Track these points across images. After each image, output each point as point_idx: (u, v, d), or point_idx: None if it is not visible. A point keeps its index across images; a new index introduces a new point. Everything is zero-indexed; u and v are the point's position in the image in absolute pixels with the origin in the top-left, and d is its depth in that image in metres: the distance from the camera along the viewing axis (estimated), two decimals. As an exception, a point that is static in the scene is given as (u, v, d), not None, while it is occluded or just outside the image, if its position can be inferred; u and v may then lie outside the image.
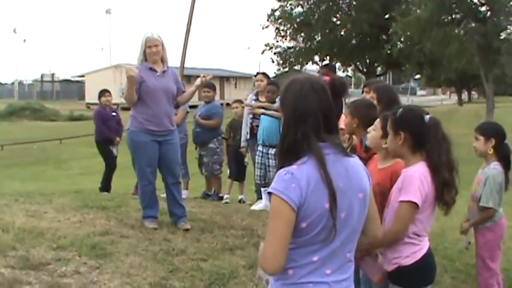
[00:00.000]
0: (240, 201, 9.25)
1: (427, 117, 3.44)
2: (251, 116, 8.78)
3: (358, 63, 46.32)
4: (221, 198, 9.14)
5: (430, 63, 37.55)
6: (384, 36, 41.63)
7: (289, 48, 44.27)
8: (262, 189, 8.28)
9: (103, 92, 10.77)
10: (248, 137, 8.82)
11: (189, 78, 42.42)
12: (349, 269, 2.55)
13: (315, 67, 42.94)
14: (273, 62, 44.61)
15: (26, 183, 13.90)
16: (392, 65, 45.36)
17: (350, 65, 47.45)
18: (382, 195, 3.56)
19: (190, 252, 5.65)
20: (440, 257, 5.21)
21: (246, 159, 9.29)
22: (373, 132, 3.94)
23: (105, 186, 10.25)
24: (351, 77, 58.29)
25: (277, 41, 43.86)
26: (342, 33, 43.47)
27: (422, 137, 3.41)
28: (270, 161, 8.18)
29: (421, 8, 28.87)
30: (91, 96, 42.71)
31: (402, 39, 34.15)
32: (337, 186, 2.37)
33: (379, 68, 48.17)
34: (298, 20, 42.63)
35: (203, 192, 9.84)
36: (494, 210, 4.85)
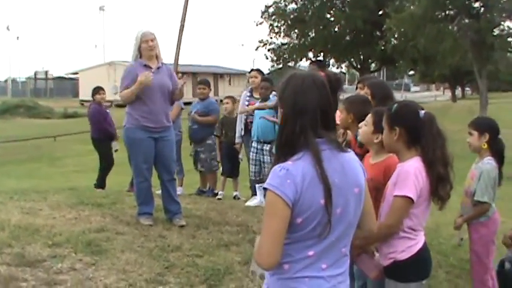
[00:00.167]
0: (234, 197, 9.25)
1: (422, 112, 3.46)
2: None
3: (352, 59, 46.36)
4: (216, 194, 9.14)
5: (424, 60, 37.62)
6: (377, 33, 41.67)
7: (283, 44, 44.26)
8: (256, 185, 8.29)
9: (97, 90, 10.72)
10: (243, 133, 8.83)
11: (183, 75, 42.37)
12: (344, 263, 2.56)
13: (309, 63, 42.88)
14: (267, 58, 44.64)
15: (21, 180, 13.87)
16: (386, 61, 45.42)
17: (344, 62, 47.49)
18: (375, 190, 3.58)
19: (186, 248, 5.67)
20: (434, 252, 5.24)
21: (240, 156, 9.30)
22: (365, 127, 3.96)
23: (101, 183, 10.24)
24: (344, 74, 58.29)
25: (271, 38, 43.87)
26: (336, 29, 43.50)
27: (418, 132, 3.44)
28: (265, 157, 8.19)
29: (414, 4, 28.90)
30: (85, 94, 42.60)
31: (396, 35, 34.14)
32: (332, 182, 2.39)
33: (373, 64, 48.20)
34: (292, 16, 42.63)
35: (198, 188, 9.84)
36: (488, 204, 4.86)
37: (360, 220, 2.59)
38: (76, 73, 62.00)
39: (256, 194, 8.33)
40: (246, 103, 8.81)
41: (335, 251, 2.50)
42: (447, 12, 27.78)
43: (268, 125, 8.10)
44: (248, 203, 8.16)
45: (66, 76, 72.27)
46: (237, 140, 8.95)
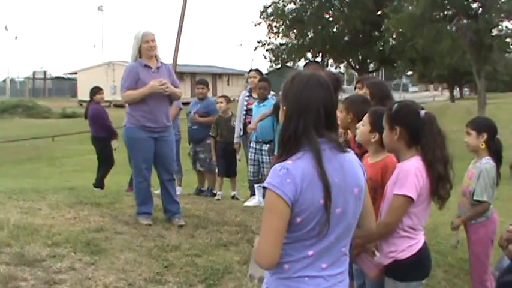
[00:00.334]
0: (233, 197, 9.25)
1: (422, 112, 3.48)
2: (244, 112, 8.79)
3: (350, 59, 46.38)
4: (215, 194, 9.14)
5: (422, 60, 37.66)
6: (376, 33, 41.67)
7: (281, 45, 44.29)
8: (255, 185, 8.30)
9: (97, 89, 10.71)
10: (241, 133, 8.83)
11: (181, 76, 42.42)
12: (344, 263, 2.57)
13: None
14: (266, 58, 44.68)
15: (19, 180, 13.84)
16: (384, 62, 45.44)
17: (342, 62, 47.52)
18: (373, 190, 3.59)
19: (185, 248, 5.68)
20: (433, 252, 5.24)
21: (238, 156, 9.29)
22: (362, 127, 3.98)
23: (99, 183, 10.25)
24: (343, 74, 58.29)
25: (269, 38, 43.91)
26: (335, 29, 43.53)
27: (418, 132, 3.45)
28: (263, 157, 8.20)
29: (413, 5, 28.92)
30: (83, 94, 42.44)
31: (394, 35, 34.17)
32: (332, 182, 2.39)
33: (371, 65, 48.24)
34: (290, 16, 42.65)
35: (196, 188, 9.85)
36: (488, 204, 4.85)
37: (359, 220, 2.60)
38: (74, 73, 61.93)
39: (255, 194, 8.33)
40: (245, 103, 8.82)
41: (335, 250, 2.50)
42: (446, 12, 27.80)
43: (267, 125, 8.11)
44: (247, 203, 8.16)
45: (64, 76, 72.30)
46: (236, 140, 8.95)
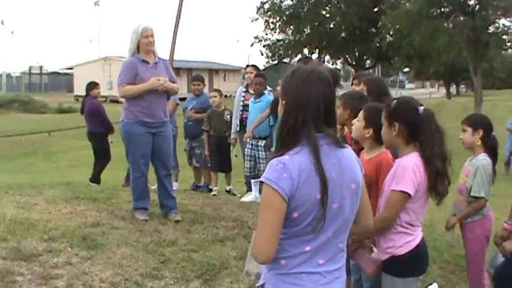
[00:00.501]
0: (229, 192, 9.24)
1: (421, 108, 3.49)
2: (241, 107, 8.80)
3: (347, 56, 46.33)
4: (211, 190, 9.15)
5: (419, 57, 37.64)
6: (373, 30, 41.66)
7: (278, 41, 44.19)
8: (252, 180, 8.31)
9: (94, 84, 10.70)
10: (238, 129, 8.84)
11: (178, 71, 42.36)
12: (341, 259, 2.57)
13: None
14: (262, 54, 44.57)
15: (16, 175, 13.83)
16: (381, 58, 45.41)
17: (339, 58, 47.45)
18: (367, 186, 3.60)
19: (181, 243, 5.69)
20: (429, 248, 5.24)
21: (234, 152, 9.30)
22: (357, 123, 3.99)
23: (96, 178, 10.25)
24: (340, 70, 58.28)
25: (266, 34, 43.77)
26: (331, 26, 43.46)
27: (417, 128, 3.46)
28: (260, 153, 8.21)
29: (410, 1, 28.94)
30: (80, 89, 42.36)
31: (391, 32, 34.21)
32: (329, 177, 2.39)
33: (368, 61, 48.20)
34: (287, 12, 42.54)
35: (193, 183, 9.86)
36: (485, 200, 4.83)
37: (356, 216, 2.60)
38: (71, 68, 61.73)
39: (251, 190, 8.34)
40: (242, 98, 8.84)
41: (332, 246, 2.50)
42: (442, 9, 27.83)
43: (263, 122, 8.12)
44: (243, 199, 8.17)
45: (61, 71, 71.99)
46: (233, 136, 8.96)
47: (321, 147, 2.42)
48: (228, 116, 9.10)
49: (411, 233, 3.49)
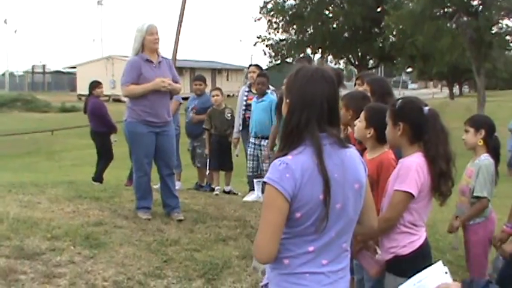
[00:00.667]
0: (228, 192, 9.17)
1: (426, 108, 3.48)
2: (244, 107, 8.81)
3: (350, 56, 46.29)
4: (214, 189, 9.15)
5: (422, 57, 37.56)
6: (376, 30, 41.62)
7: (281, 40, 44.15)
8: (254, 180, 8.31)
9: (97, 84, 10.72)
10: (241, 128, 8.84)
11: (181, 71, 42.38)
12: (344, 259, 2.57)
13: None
14: (265, 54, 44.51)
15: (18, 174, 13.87)
16: (384, 58, 45.35)
17: (342, 58, 47.42)
18: (370, 185, 3.61)
19: (184, 242, 5.70)
20: (431, 249, 5.25)
21: (237, 152, 9.30)
22: (359, 123, 4.00)
23: (98, 177, 10.26)
24: (342, 70, 58.24)
25: (269, 33, 43.70)
26: (334, 26, 43.40)
27: (421, 128, 3.46)
28: (262, 152, 8.21)
29: (413, 2, 28.88)
30: (82, 88, 42.36)
31: (394, 32, 34.15)
32: (332, 177, 2.39)
33: (371, 61, 48.16)
34: (290, 12, 42.50)
35: (196, 183, 9.87)
36: (487, 200, 4.79)
37: (360, 216, 2.59)
38: (74, 67, 61.74)
39: (253, 189, 8.35)
40: (245, 98, 8.85)
41: (335, 246, 2.50)
42: (446, 9, 27.76)
43: (266, 121, 8.13)
44: (246, 198, 8.17)
45: (63, 70, 72.05)
46: (235, 135, 8.97)
47: (324, 147, 2.42)
48: (229, 115, 9.10)
49: (415, 233, 3.49)
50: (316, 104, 2.46)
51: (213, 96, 9.20)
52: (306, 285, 2.47)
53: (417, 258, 3.48)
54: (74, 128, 27.19)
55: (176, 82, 6.52)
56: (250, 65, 9.41)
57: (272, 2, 42.66)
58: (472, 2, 27.37)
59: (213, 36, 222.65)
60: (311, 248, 2.45)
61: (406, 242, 3.47)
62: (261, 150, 8.23)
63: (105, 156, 10.49)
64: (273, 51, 43.96)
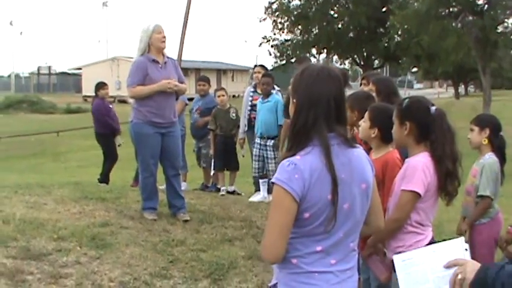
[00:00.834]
0: (232, 193, 9.09)
1: (433, 108, 3.48)
2: (249, 107, 8.82)
3: (355, 56, 46.24)
4: (219, 190, 9.15)
5: (428, 57, 37.49)
6: (381, 29, 41.50)
7: (286, 41, 44.10)
8: (260, 180, 8.31)
9: (102, 85, 10.77)
10: (246, 128, 8.85)
11: (186, 71, 42.41)
12: (352, 258, 2.57)
13: (312, 60, 42.73)
14: (270, 54, 44.48)
15: (24, 175, 13.91)
16: (389, 58, 45.26)
17: (347, 58, 47.37)
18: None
19: (190, 243, 5.71)
20: (437, 248, 5.24)
21: (242, 152, 9.29)
22: (363, 123, 4.00)
23: (104, 178, 10.29)
24: (348, 70, 58.18)
25: (274, 34, 43.66)
26: (340, 26, 43.35)
27: (428, 128, 3.45)
28: (268, 153, 8.21)
29: (418, 1, 28.83)
30: (88, 89, 42.38)
31: (400, 32, 34.09)
32: (339, 177, 2.39)
33: (376, 61, 48.08)
34: (295, 12, 42.46)
35: (202, 184, 9.87)
36: (490, 199, 4.75)
37: (367, 216, 2.59)
38: (79, 68, 61.95)
39: (259, 190, 8.34)
40: (250, 98, 8.86)
41: (343, 246, 2.50)
42: (451, 9, 27.69)
43: (271, 121, 8.13)
44: (252, 199, 8.18)
45: (69, 71, 72.28)
46: (241, 136, 8.98)
47: (332, 147, 2.41)
48: (234, 114, 9.09)
49: (421, 232, 3.49)
50: (322, 103, 2.45)
51: (219, 96, 9.17)
52: (315, 284, 2.46)
53: None
54: (80, 129, 27.25)
55: (182, 82, 6.53)
56: (255, 66, 9.43)
57: (277, 2, 42.64)
58: (477, 1, 27.30)
59: (219, 37, 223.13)
60: (319, 248, 2.45)
61: (413, 242, 3.46)
62: (266, 150, 8.23)
63: (110, 157, 10.52)
64: (278, 51, 43.92)
